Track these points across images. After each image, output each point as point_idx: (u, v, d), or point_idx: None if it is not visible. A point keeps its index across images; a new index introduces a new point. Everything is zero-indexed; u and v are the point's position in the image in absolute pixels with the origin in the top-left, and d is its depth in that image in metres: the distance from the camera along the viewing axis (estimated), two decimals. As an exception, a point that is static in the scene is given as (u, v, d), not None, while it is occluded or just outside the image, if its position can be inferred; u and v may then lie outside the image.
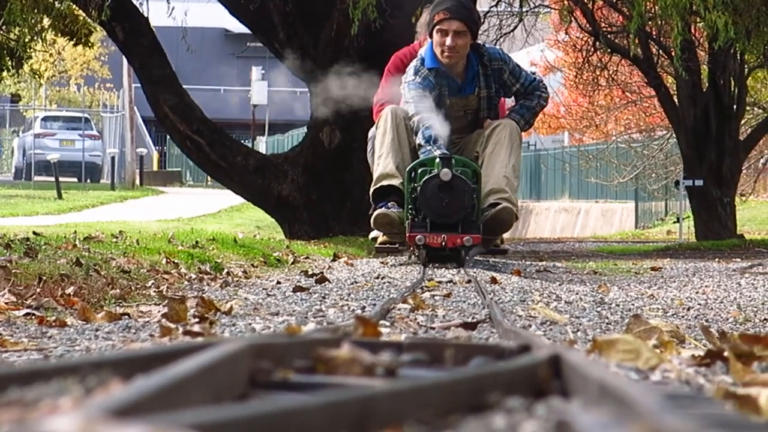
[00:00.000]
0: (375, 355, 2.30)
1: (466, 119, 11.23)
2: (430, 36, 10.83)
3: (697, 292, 8.11)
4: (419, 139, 10.66)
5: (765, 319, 5.75)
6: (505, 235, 12.14)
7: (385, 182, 10.80)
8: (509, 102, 11.90)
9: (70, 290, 5.96)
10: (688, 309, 6.36)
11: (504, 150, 10.89)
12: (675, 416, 1.45)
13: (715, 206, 22.32)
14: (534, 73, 11.70)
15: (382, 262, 10.95)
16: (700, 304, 6.77)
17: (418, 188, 10.16)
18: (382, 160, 10.93)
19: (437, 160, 10.18)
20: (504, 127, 11.00)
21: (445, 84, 10.79)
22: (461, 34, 10.65)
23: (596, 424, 1.26)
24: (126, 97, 49.91)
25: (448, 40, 10.55)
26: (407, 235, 10.22)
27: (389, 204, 10.64)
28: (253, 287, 7.68)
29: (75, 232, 11.91)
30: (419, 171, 10.32)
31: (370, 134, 11.64)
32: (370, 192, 10.93)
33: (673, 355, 3.20)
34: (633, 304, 6.55)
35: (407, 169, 10.52)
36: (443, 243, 10.05)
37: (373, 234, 11.80)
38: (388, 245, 11.35)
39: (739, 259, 14.28)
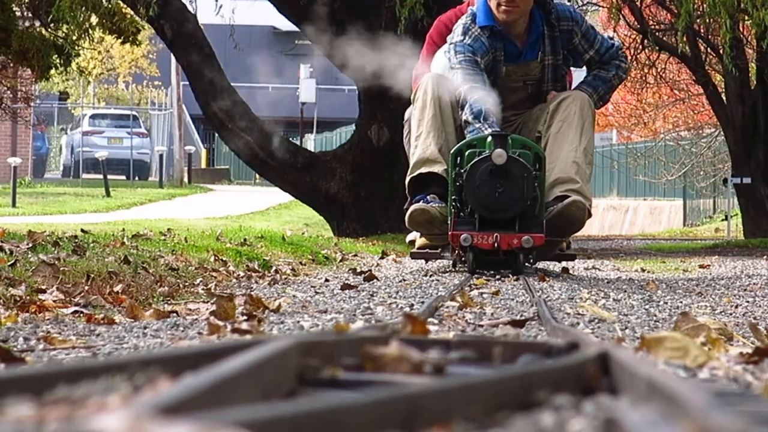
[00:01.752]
0: (423, 352, 2.30)
1: (526, 91, 9.00)
2: None
3: (745, 290, 8.07)
4: (466, 115, 8.48)
5: (814, 318, 5.73)
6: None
7: (424, 169, 8.67)
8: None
9: (118, 288, 5.98)
10: (736, 307, 6.33)
11: (573, 129, 8.69)
12: (723, 414, 1.45)
13: (763, 204, 22.23)
14: (612, 39, 9.43)
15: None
16: (748, 302, 6.74)
17: (465, 174, 8.08)
18: (421, 142, 8.75)
19: (489, 139, 8.09)
20: (574, 100, 8.77)
21: (501, 47, 8.66)
22: None
23: (644, 422, 1.26)
24: (174, 95, 50.02)
25: None
26: (450, 233, 8.15)
27: (429, 197, 8.55)
28: (301, 285, 7.68)
29: (123, 229, 11.94)
30: (467, 153, 8.22)
31: (406, 115, 9.37)
32: (406, 182, 8.85)
33: (721, 353, 3.19)
34: (681, 302, 6.53)
35: (452, 152, 8.35)
36: (496, 244, 7.99)
37: (410, 237, 9.85)
38: (427, 250, 9.21)
39: (789, 258, 14.21)
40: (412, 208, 8.57)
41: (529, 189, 8.03)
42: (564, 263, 9.79)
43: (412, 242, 9.58)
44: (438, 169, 8.59)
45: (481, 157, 8.06)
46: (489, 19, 8.56)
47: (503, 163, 7.88)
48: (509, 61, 8.69)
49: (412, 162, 8.82)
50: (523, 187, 7.98)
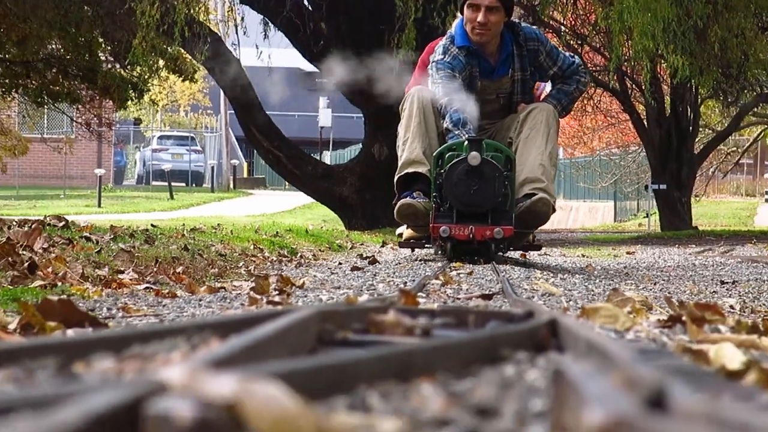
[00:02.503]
0: (414, 319, 2.29)
1: (499, 103, 8.34)
2: (461, 12, 8.13)
3: (661, 271, 8.08)
4: (447, 123, 7.88)
5: (713, 292, 5.72)
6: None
7: (410, 169, 8.06)
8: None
9: (179, 269, 5.98)
10: (655, 284, 6.33)
11: (540, 135, 8.05)
12: (645, 367, 1.45)
13: (675, 205, 22.32)
14: (573, 56, 8.66)
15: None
16: (663, 281, 6.74)
17: (444, 174, 7.54)
18: (408, 146, 8.13)
19: (466, 143, 7.55)
20: (540, 110, 8.13)
21: (476, 64, 8.06)
22: (494, 9, 7.87)
23: (584, 373, 1.25)
24: (222, 121, 50.08)
25: (480, 16, 7.83)
26: (431, 225, 7.62)
27: (414, 194, 7.97)
28: (320, 267, 7.68)
29: (183, 224, 11.94)
30: (446, 156, 7.66)
31: (399, 126, 8.55)
32: (395, 180, 8.22)
33: (643, 320, 3.19)
34: (612, 280, 6.53)
35: (434, 155, 7.81)
36: (471, 235, 7.47)
37: (398, 230, 9.16)
38: (413, 240, 8.67)
39: (693, 246, 14.23)
40: (399, 203, 8.00)
41: (500, 187, 7.48)
42: (523, 252, 9.12)
43: (401, 235, 8.93)
44: (422, 169, 8.01)
45: (458, 159, 7.52)
46: (465, 40, 8.04)
47: (478, 164, 7.39)
48: (484, 77, 8.15)
49: (400, 163, 8.24)
50: (495, 185, 7.45)
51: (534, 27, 8.49)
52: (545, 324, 2.18)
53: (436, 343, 1.83)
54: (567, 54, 8.51)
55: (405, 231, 8.75)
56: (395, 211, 8.01)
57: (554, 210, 8.08)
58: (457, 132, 7.78)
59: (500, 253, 8.07)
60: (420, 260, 8.17)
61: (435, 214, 7.61)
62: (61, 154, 33.85)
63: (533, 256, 9.28)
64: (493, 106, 8.29)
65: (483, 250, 7.57)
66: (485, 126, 8.25)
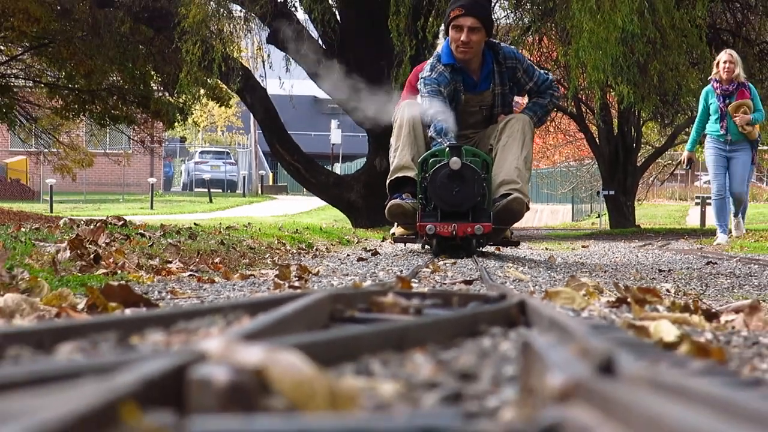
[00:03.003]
0: (408, 300, 2.30)
1: (481, 114, 7.90)
2: (446, 33, 7.78)
3: (610, 261, 8.08)
4: (431, 132, 7.51)
5: (653, 278, 5.73)
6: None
7: (400, 174, 7.65)
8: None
9: (217, 260, 5.99)
10: (605, 272, 6.34)
11: (517, 143, 7.62)
12: (597, 339, 1.45)
13: (621, 207, 22.33)
14: (547, 73, 8.19)
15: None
16: (612, 269, 6.74)
17: (428, 177, 7.14)
18: (398, 153, 7.72)
19: (447, 150, 7.16)
20: (517, 120, 7.73)
21: (460, 80, 7.68)
22: (475, 30, 7.49)
23: (547, 344, 1.25)
24: (252, 138, 50.10)
25: (463, 36, 7.46)
26: (418, 224, 7.24)
27: (403, 196, 7.57)
28: (332, 258, 7.68)
29: (220, 223, 11.96)
30: (430, 161, 7.26)
31: (391, 136, 8.11)
32: (386, 183, 7.78)
33: (596, 301, 3.19)
34: (570, 269, 6.53)
35: (419, 160, 7.39)
36: (453, 232, 7.09)
37: (392, 230, 8.73)
38: (405, 236, 8.34)
39: (636, 241, 14.22)
40: (390, 203, 7.57)
41: (479, 188, 7.08)
42: (495, 246, 8.86)
43: (394, 233, 8.56)
44: (411, 173, 7.56)
45: (441, 164, 7.12)
46: (450, 58, 7.63)
47: (458, 168, 7.01)
48: (467, 91, 7.73)
49: (391, 168, 7.79)
50: (474, 186, 7.05)
51: (512, 47, 8.13)
52: (516, 304, 2.18)
53: (426, 320, 1.83)
54: (542, 71, 8.10)
55: (396, 229, 8.44)
56: (386, 211, 7.61)
57: (528, 208, 7.67)
58: (440, 140, 7.42)
59: (480, 248, 7.81)
60: (414, 253, 8.17)
61: (421, 213, 7.23)
62: (120, 166, 33.81)
63: (505, 250, 9.26)
64: (476, 117, 7.91)
65: (465, 245, 7.21)
66: (469, 135, 7.88)
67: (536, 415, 0.96)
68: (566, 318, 1.79)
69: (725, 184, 11.67)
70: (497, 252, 8.63)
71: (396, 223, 8.26)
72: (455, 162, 7.01)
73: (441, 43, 8.16)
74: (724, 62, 11.46)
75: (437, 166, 7.11)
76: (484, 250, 8.23)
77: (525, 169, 7.63)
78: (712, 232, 12.17)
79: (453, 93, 7.69)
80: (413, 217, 7.38)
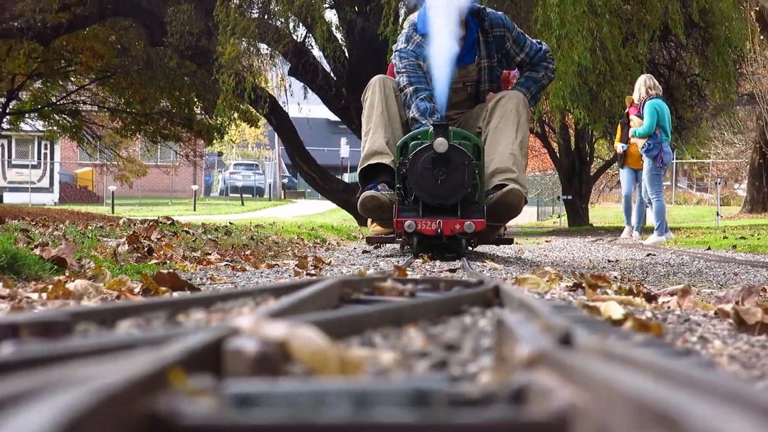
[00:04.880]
0: (404, 285, 2.29)
1: (466, 92, 5.74)
2: None
3: (569, 253, 8.07)
4: (413, 113, 5.41)
5: (603, 267, 5.72)
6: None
7: (373, 160, 5.48)
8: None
9: (248, 252, 5.98)
10: (564, 261, 6.33)
11: (510, 125, 5.47)
12: (558, 316, 1.44)
13: (578, 209, 22.33)
14: (540, 43, 5.94)
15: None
16: (570, 259, 6.73)
17: (408, 163, 4.98)
18: (370, 137, 5.53)
19: (431, 130, 4.98)
20: (509, 98, 5.55)
21: None
22: None
23: (517, 320, 1.25)
24: (276, 153, 50.09)
25: None
26: (395, 220, 5.12)
27: (378, 186, 5.43)
28: (341, 251, 7.68)
29: (250, 222, 11.95)
30: (411, 144, 5.11)
31: (362, 117, 5.94)
32: (357, 173, 5.67)
33: (557, 285, 3.19)
34: (537, 259, 6.52)
35: (397, 144, 5.27)
36: (438, 230, 5.03)
37: (372, 227, 6.39)
38: (381, 236, 6.10)
39: (590, 236, 14.20)
40: (363, 195, 5.42)
41: (470, 176, 4.98)
42: (482, 245, 6.92)
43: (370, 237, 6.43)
44: (386, 160, 5.44)
45: (423, 146, 4.97)
46: (428, 27, 5.48)
47: (444, 151, 4.87)
48: None
49: (362, 154, 5.65)
50: (464, 174, 4.96)
51: (500, 13, 5.87)
52: (491, 289, 2.18)
53: (418, 302, 1.83)
54: (534, 41, 5.95)
55: (372, 227, 6.34)
56: (359, 205, 5.48)
57: (526, 201, 5.54)
58: (424, 122, 5.38)
59: (471, 248, 5.87)
60: (409, 248, 8.17)
61: (399, 207, 5.18)
62: (168, 175, 33.80)
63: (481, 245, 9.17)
64: (461, 96, 5.77)
65: (453, 245, 5.24)
66: (453, 116, 5.80)
67: (508, 379, 0.96)
68: (532, 300, 1.79)
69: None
70: (475, 249, 7.45)
71: (370, 220, 6.17)
72: (441, 144, 4.92)
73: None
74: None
75: (419, 149, 5.04)
76: (476, 249, 6.70)
77: (521, 155, 5.57)
78: (651, 230, 12.17)
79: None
80: (391, 212, 5.34)
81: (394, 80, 5.64)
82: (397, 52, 5.62)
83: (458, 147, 4.99)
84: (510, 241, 6.22)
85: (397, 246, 6.38)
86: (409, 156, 5.05)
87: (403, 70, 5.55)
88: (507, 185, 5.37)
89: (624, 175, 12.31)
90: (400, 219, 5.12)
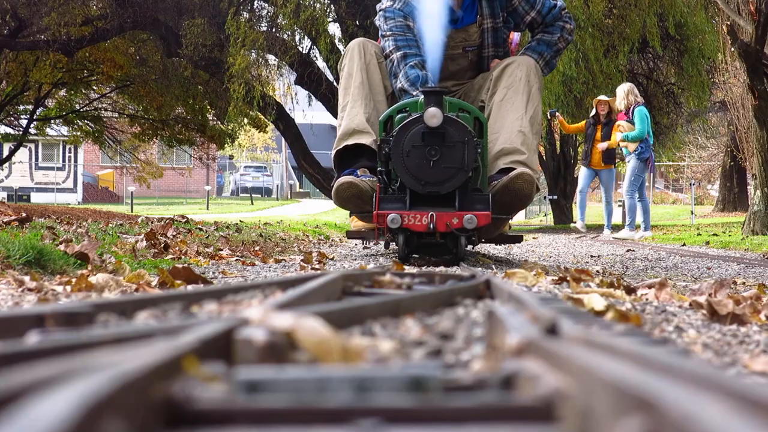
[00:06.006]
0: (402, 279, 2.29)
1: (467, 59, 4.38)
2: None
3: (555, 249, 8.07)
4: (401, 83, 4.07)
5: (586, 262, 5.72)
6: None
7: (351, 141, 4.14)
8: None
9: (257, 248, 5.98)
10: (550, 257, 6.33)
11: (519, 96, 4.13)
12: (544, 308, 1.44)
13: (563, 208, 22.37)
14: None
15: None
16: (556, 255, 6.73)
17: (392, 140, 3.62)
18: (347, 112, 4.19)
19: (421, 100, 3.71)
20: (519, 66, 4.19)
21: None
22: None
23: (507, 311, 1.25)
24: (283, 156, 50.07)
25: None
26: (375, 212, 3.74)
27: (358, 171, 4.10)
28: (344, 247, 7.67)
29: (259, 220, 11.94)
30: (397, 118, 3.80)
31: (339, 89, 4.54)
32: (332, 156, 4.33)
33: (544, 279, 3.19)
34: (525, 255, 6.52)
35: (380, 119, 3.95)
36: (431, 225, 3.65)
37: (352, 222, 4.91)
38: (362, 231, 4.62)
39: (574, 234, 14.19)
40: (338, 182, 4.04)
41: (470, 157, 3.58)
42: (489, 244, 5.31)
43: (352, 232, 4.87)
44: (366, 140, 4.09)
45: (411, 118, 3.59)
46: None
47: (438, 125, 3.49)
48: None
49: (338, 134, 4.24)
50: (463, 154, 3.56)
51: None
52: (483, 282, 2.18)
53: (415, 294, 1.83)
54: None
55: (353, 222, 4.91)
56: (333, 194, 4.14)
57: (538, 189, 4.15)
58: (414, 93, 4.02)
59: (471, 247, 4.48)
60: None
61: (379, 197, 3.77)
62: (183, 177, 33.81)
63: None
64: (460, 64, 4.43)
65: (449, 244, 3.87)
66: (452, 88, 4.46)
67: (498, 366, 0.96)
68: (521, 292, 1.79)
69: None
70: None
71: (350, 213, 4.62)
72: (433, 115, 3.53)
73: None
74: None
75: (406, 122, 3.67)
76: (476, 249, 5.44)
77: (532, 132, 4.23)
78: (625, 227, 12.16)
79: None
80: (372, 202, 3.94)
81: (378, 45, 4.29)
82: (381, 12, 4.25)
83: (456, 119, 3.60)
84: (519, 239, 4.69)
85: (381, 245, 4.91)
86: (393, 132, 3.67)
87: (388, 33, 4.16)
88: (515, 169, 4.03)
89: (584, 173, 12.45)
90: (381, 212, 3.71)
